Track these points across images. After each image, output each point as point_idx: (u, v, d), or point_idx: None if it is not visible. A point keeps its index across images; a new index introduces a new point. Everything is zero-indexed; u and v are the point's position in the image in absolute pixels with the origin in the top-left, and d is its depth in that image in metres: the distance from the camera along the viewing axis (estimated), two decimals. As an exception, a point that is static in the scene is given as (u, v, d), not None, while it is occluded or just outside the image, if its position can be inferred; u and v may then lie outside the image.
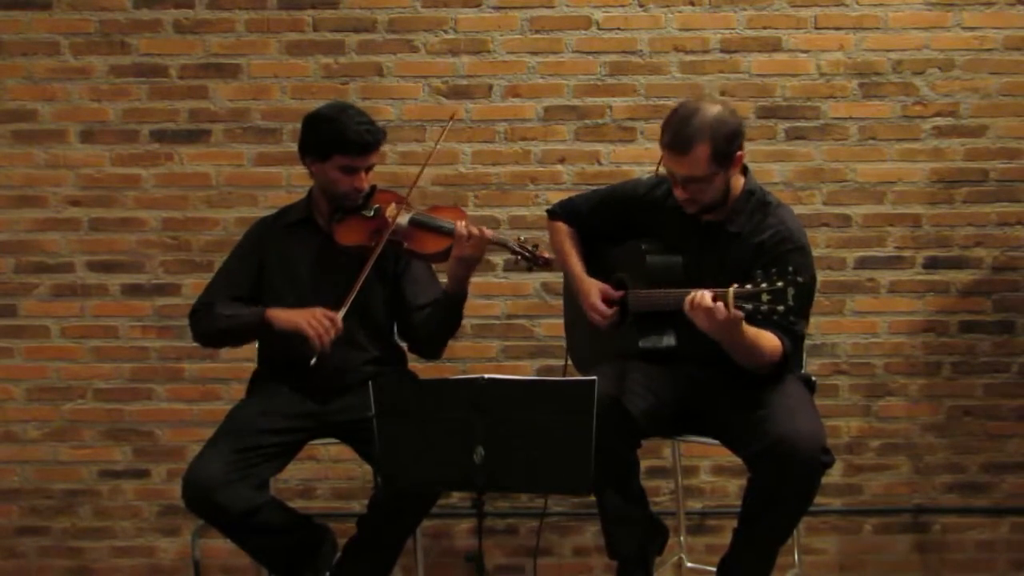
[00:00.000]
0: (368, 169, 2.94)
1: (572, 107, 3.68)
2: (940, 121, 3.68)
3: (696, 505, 3.74)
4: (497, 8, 3.66)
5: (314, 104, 3.23)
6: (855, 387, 3.73)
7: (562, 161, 3.70)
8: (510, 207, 3.69)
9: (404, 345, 3.17)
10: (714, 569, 2.84)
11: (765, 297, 2.37)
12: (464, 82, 3.68)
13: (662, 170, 2.75)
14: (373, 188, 2.98)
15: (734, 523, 2.75)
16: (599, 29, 3.67)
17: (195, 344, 3.05)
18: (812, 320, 3.18)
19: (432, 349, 3.10)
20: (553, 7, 3.66)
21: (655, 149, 2.75)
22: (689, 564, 3.37)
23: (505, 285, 3.72)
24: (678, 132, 2.63)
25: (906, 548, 3.78)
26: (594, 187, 3.18)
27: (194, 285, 3.69)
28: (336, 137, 2.87)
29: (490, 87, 3.68)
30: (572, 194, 3.14)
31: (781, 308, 2.36)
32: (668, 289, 2.67)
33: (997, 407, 3.73)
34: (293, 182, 3.65)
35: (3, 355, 3.73)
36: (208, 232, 3.71)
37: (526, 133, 3.69)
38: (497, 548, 3.76)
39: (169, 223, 3.71)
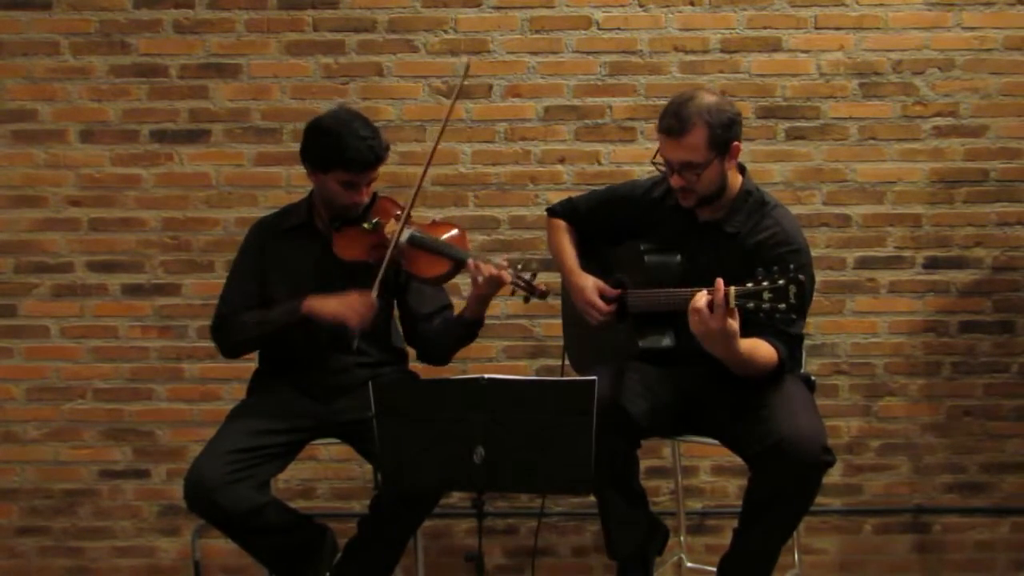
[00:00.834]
0: (369, 183, 2.92)
1: (572, 107, 3.68)
2: (940, 121, 3.68)
3: (696, 505, 3.74)
4: (497, 8, 3.66)
5: (314, 104, 3.24)
6: (855, 387, 3.74)
7: (562, 161, 3.70)
8: (510, 207, 3.69)
9: (411, 350, 3.17)
10: (714, 569, 2.84)
11: (767, 295, 2.37)
12: (464, 82, 3.67)
13: (658, 159, 2.74)
14: (374, 196, 2.97)
15: (734, 523, 2.75)
16: (599, 29, 3.67)
17: (195, 344, 3.05)
18: (812, 320, 3.19)
19: (440, 359, 3.12)
20: (553, 7, 3.66)
21: (655, 149, 2.75)
22: (689, 564, 3.37)
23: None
24: (675, 116, 2.65)
25: (906, 548, 3.78)
26: (594, 187, 3.19)
27: (194, 285, 3.70)
28: (337, 153, 2.83)
29: (490, 87, 3.68)
30: (572, 194, 3.14)
31: (783, 306, 2.37)
32: (667, 289, 2.67)
33: (997, 407, 3.73)
34: (293, 182, 3.65)
35: (3, 355, 3.73)
36: (208, 232, 3.71)
37: (526, 133, 3.69)
38: (497, 548, 3.76)
39: (169, 223, 3.71)
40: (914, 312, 3.72)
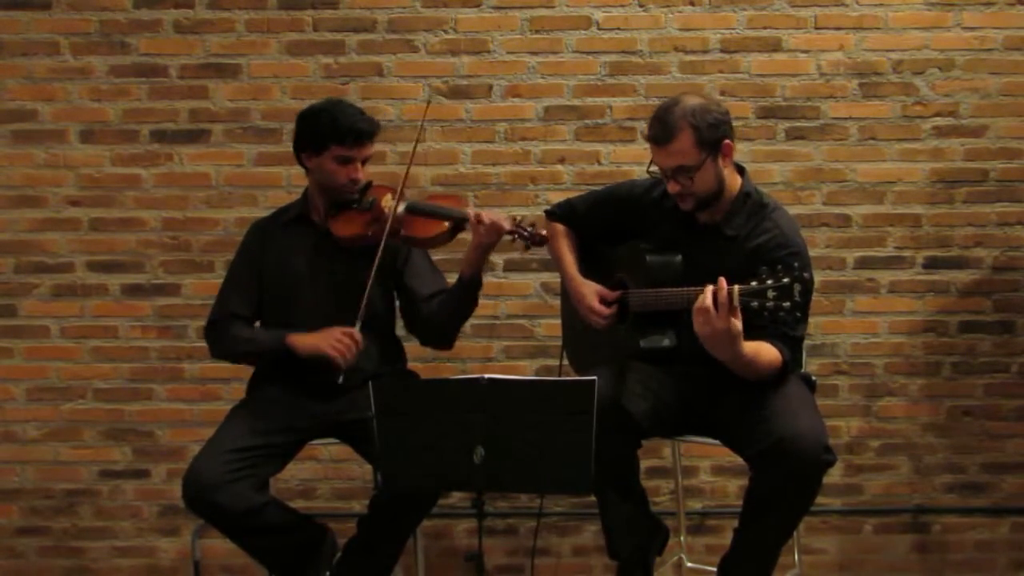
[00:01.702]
0: (364, 161, 2.95)
1: (572, 107, 3.69)
2: (940, 121, 3.68)
3: (696, 505, 3.74)
4: (497, 8, 3.66)
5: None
6: (855, 387, 3.74)
7: (562, 161, 3.70)
8: (510, 207, 3.68)
9: (413, 339, 3.16)
10: (714, 569, 2.84)
11: (771, 294, 2.37)
12: (464, 82, 3.68)
13: (654, 168, 2.75)
14: (369, 183, 2.99)
15: (734, 523, 2.75)
16: (599, 29, 3.67)
17: (195, 344, 3.05)
18: (812, 320, 3.18)
19: (445, 337, 3.09)
20: (553, 7, 3.66)
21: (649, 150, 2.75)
22: (689, 564, 3.37)
23: (505, 285, 3.72)
24: (659, 123, 2.67)
25: (906, 548, 3.78)
26: (594, 187, 3.18)
27: (194, 285, 3.70)
28: (332, 128, 2.89)
29: (490, 87, 3.68)
30: (572, 194, 3.15)
31: (787, 304, 2.36)
32: (670, 288, 2.67)
33: (997, 407, 3.73)
34: (293, 182, 3.65)
35: (3, 355, 3.73)
36: (208, 232, 3.71)
37: (526, 133, 3.69)
38: (497, 548, 3.76)
39: (169, 223, 3.71)
40: (914, 312, 3.72)
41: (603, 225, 2.98)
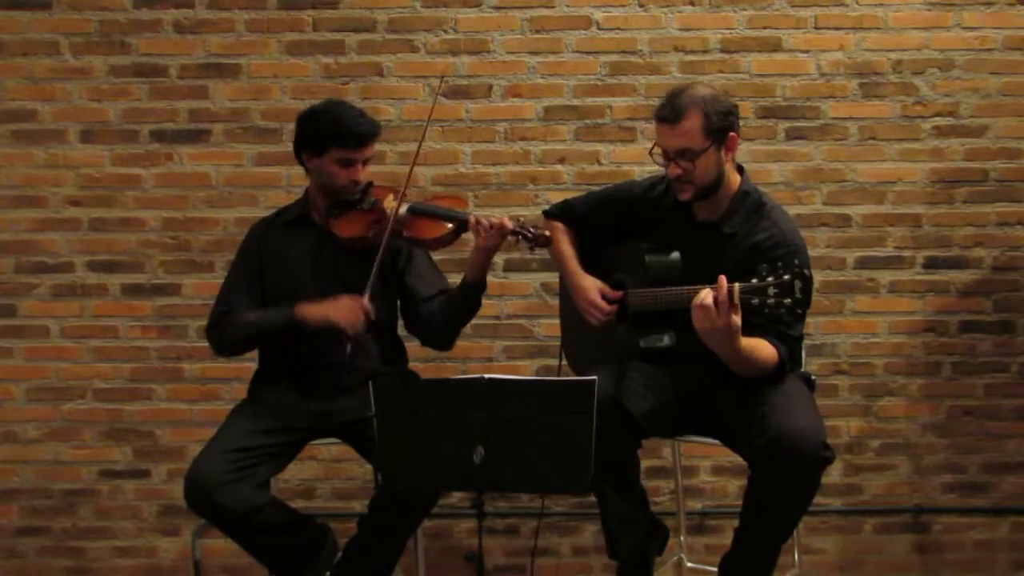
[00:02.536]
0: (365, 162, 2.95)
1: (572, 107, 3.69)
2: (940, 121, 3.68)
3: (696, 505, 3.74)
4: (497, 8, 3.66)
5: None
6: (855, 387, 3.74)
7: (562, 161, 3.70)
8: (510, 207, 3.68)
9: (413, 339, 3.16)
10: (714, 569, 2.84)
11: (772, 291, 2.37)
12: (464, 82, 3.68)
13: (657, 155, 2.74)
14: (370, 184, 2.99)
15: (734, 523, 2.75)
16: (599, 29, 3.67)
17: (195, 344, 3.05)
18: (812, 320, 3.19)
19: (445, 338, 3.09)
20: (553, 7, 3.66)
21: (654, 135, 2.75)
22: (689, 564, 3.37)
23: (505, 285, 3.72)
24: (670, 103, 2.69)
25: (906, 548, 3.78)
26: (594, 187, 3.19)
27: (194, 285, 3.70)
28: (332, 129, 2.89)
29: (490, 87, 3.68)
30: (572, 194, 3.15)
31: (788, 301, 2.36)
32: (669, 287, 2.67)
33: (997, 407, 3.73)
34: (293, 182, 3.65)
35: (3, 355, 3.73)
36: (208, 232, 3.71)
37: (526, 133, 3.69)
38: (497, 548, 3.76)
39: (169, 223, 3.71)
40: (914, 312, 3.72)
41: (602, 225, 2.98)
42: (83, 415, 3.74)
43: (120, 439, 3.75)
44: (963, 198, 3.70)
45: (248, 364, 3.17)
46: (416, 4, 3.67)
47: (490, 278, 3.66)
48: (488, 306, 3.65)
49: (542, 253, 3.12)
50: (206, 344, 3.10)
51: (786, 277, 2.37)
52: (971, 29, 3.65)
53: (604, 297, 2.87)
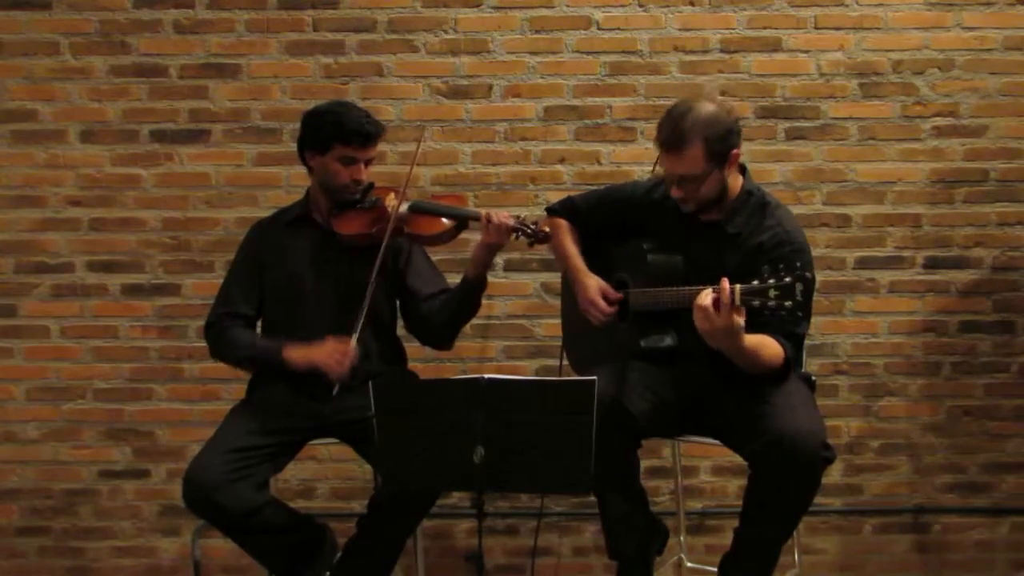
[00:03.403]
0: (367, 163, 2.96)
1: (572, 107, 3.69)
2: (940, 121, 3.68)
3: (696, 505, 3.74)
4: (497, 8, 3.66)
5: (314, 104, 3.24)
6: (855, 387, 3.74)
7: (562, 161, 3.70)
8: (510, 207, 3.67)
9: (413, 340, 3.17)
10: (714, 569, 2.84)
11: (773, 293, 2.37)
12: (464, 82, 3.68)
13: (659, 169, 2.75)
14: (371, 184, 2.99)
15: (734, 523, 2.75)
16: (599, 29, 3.67)
17: (195, 344, 3.05)
18: (812, 320, 3.17)
19: (445, 337, 3.10)
20: (553, 7, 3.66)
21: (655, 149, 2.75)
22: (689, 564, 3.37)
23: (505, 285, 3.72)
24: (672, 131, 2.65)
25: (906, 548, 3.78)
26: (594, 187, 3.19)
27: (194, 285, 3.70)
28: (336, 128, 2.91)
29: (490, 87, 3.68)
30: (572, 194, 3.14)
31: (789, 304, 2.36)
32: (671, 288, 2.67)
33: (997, 407, 3.73)
34: (293, 182, 3.65)
35: (3, 355, 3.73)
36: (208, 232, 3.71)
37: (526, 133, 3.69)
38: (497, 548, 3.76)
39: (169, 223, 3.71)
40: (914, 312, 3.72)
41: (604, 223, 2.98)
42: (83, 415, 3.74)
43: (120, 439, 3.75)
44: (963, 198, 3.70)
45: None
46: (416, 4, 3.67)
47: (490, 278, 3.67)
48: (488, 306, 3.67)
49: (543, 252, 3.13)
50: (206, 344, 3.11)
51: (787, 279, 2.36)
52: (971, 29, 3.65)
53: (605, 298, 2.87)
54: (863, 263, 3.71)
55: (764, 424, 2.57)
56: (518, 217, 2.89)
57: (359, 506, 3.58)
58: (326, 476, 3.76)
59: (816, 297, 3.27)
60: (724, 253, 2.73)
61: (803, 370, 2.88)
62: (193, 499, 2.76)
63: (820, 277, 3.41)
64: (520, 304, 3.73)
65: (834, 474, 3.70)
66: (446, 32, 3.67)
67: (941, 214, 3.70)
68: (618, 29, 3.66)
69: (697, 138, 2.62)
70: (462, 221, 2.93)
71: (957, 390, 3.73)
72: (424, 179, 3.68)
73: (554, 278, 3.54)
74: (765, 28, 3.66)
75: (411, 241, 3.01)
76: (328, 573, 2.94)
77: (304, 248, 3.04)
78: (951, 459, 3.75)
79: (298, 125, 3.01)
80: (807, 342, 2.98)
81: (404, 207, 2.93)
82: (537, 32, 3.67)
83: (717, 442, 2.81)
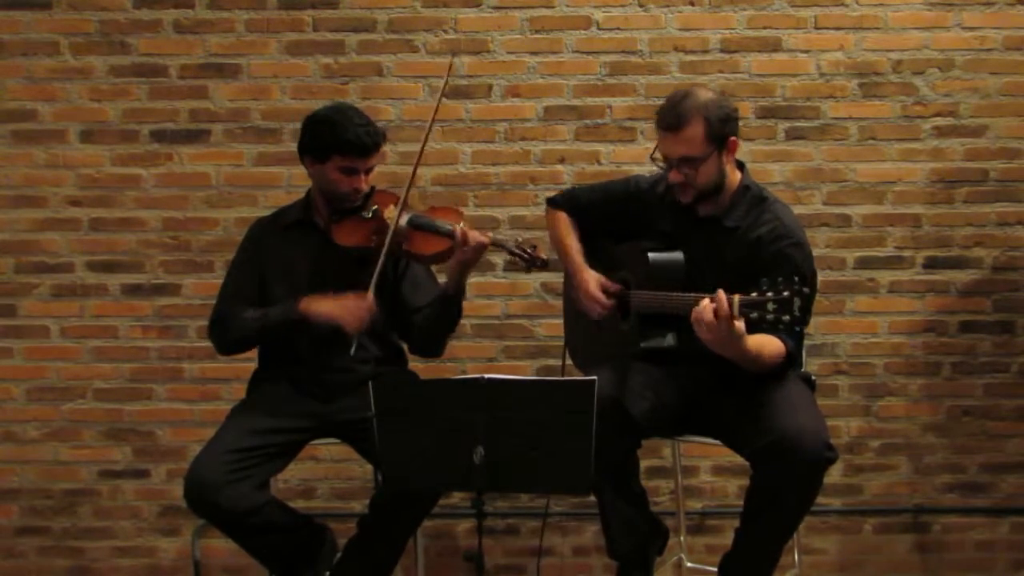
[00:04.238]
0: (368, 171, 2.94)
1: (572, 107, 3.69)
2: (940, 121, 3.68)
3: (696, 505, 3.74)
4: (497, 8, 3.66)
5: (314, 104, 3.24)
6: (855, 387, 3.74)
7: (562, 161, 3.70)
8: (510, 207, 3.69)
9: (405, 346, 3.17)
10: (714, 569, 2.84)
11: (771, 306, 2.37)
12: (464, 82, 3.68)
13: (656, 156, 2.74)
14: (372, 189, 2.98)
15: (734, 523, 2.75)
16: (599, 29, 3.67)
17: (195, 344, 3.05)
18: (812, 320, 3.18)
19: (432, 347, 3.10)
20: (553, 7, 3.66)
21: (655, 145, 2.75)
22: (689, 564, 3.37)
23: (505, 285, 3.72)
24: (672, 110, 2.68)
25: (906, 548, 3.78)
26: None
27: (194, 285, 3.70)
28: (335, 139, 2.88)
29: (490, 87, 3.68)
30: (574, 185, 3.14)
31: (787, 318, 2.36)
32: (673, 293, 2.66)
33: (997, 407, 3.73)
34: (293, 182, 3.65)
35: (3, 355, 3.73)
36: (208, 232, 3.71)
37: (526, 133, 3.69)
38: (497, 548, 3.76)
39: (169, 223, 3.71)
40: (914, 312, 3.72)
41: (604, 218, 2.98)
42: (83, 415, 3.74)
43: (120, 439, 3.75)
44: (963, 198, 3.70)
45: (248, 364, 3.16)
46: (416, 4, 3.67)
47: (490, 278, 3.70)
48: (488, 306, 3.68)
49: (542, 253, 3.11)
50: (206, 344, 3.11)
51: (785, 294, 2.36)
52: (971, 29, 3.65)
53: (605, 290, 2.87)
54: (863, 263, 3.71)
55: (766, 424, 2.58)
56: (516, 240, 2.88)
57: (359, 506, 3.59)
58: (326, 476, 3.76)
59: (816, 297, 3.26)
60: (723, 247, 2.74)
61: (803, 370, 2.89)
62: (194, 499, 2.76)
63: (820, 277, 3.41)
64: (520, 304, 3.73)
65: (834, 474, 3.70)
66: (446, 32, 3.67)
67: (941, 214, 3.70)
68: (618, 29, 3.66)
69: (697, 117, 2.65)
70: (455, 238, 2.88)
71: (957, 390, 3.73)
72: (424, 179, 3.68)
73: (554, 278, 3.54)
74: (765, 28, 3.66)
75: (409, 259, 2.99)
76: (328, 573, 2.94)
77: (304, 252, 3.02)
78: (951, 459, 3.75)
79: (298, 125, 3.00)
80: (807, 342, 2.99)
81: (403, 220, 2.91)
82: (537, 32, 3.67)
83: (717, 442, 2.81)
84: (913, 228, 3.70)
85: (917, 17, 3.65)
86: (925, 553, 3.78)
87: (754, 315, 2.39)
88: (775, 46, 3.66)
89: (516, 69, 3.68)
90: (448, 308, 2.97)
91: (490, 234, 2.85)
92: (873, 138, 3.68)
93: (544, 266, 2.89)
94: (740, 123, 2.79)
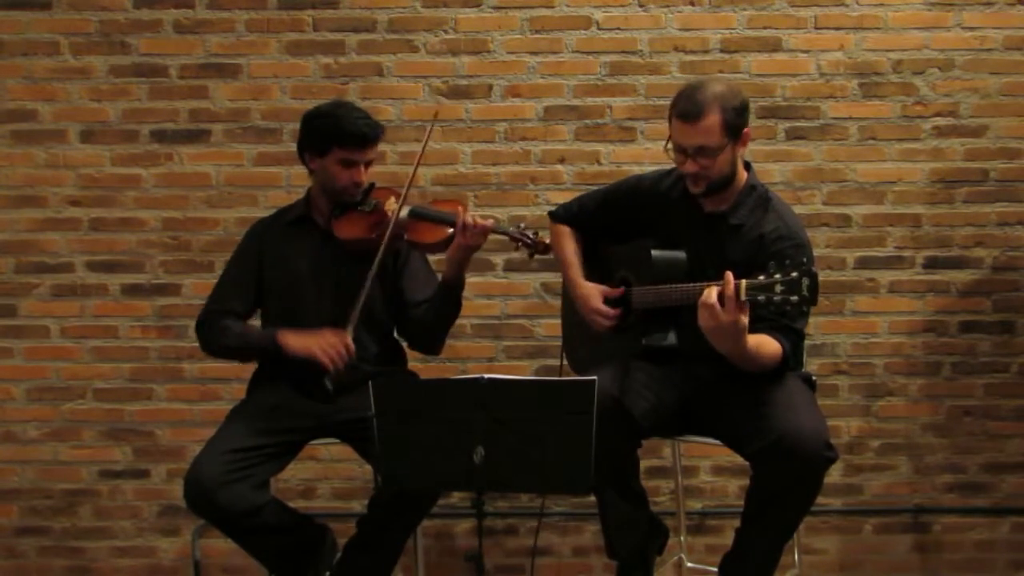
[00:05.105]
0: (367, 164, 2.95)
1: (572, 107, 3.69)
2: (940, 121, 3.68)
3: (696, 505, 3.74)
4: (497, 8, 3.66)
5: (314, 104, 3.24)
6: (855, 387, 3.74)
7: (562, 161, 3.70)
8: (510, 207, 3.69)
9: (404, 343, 3.17)
10: (714, 569, 2.84)
11: (779, 288, 2.37)
12: (464, 82, 3.68)
13: (671, 146, 2.74)
14: (371, 185, 2.99)
15: (734, 523, 2.75)
16: (599, 29, 3.67)
17: (195, 344, 3.04)
18: (812, 320, 3.18)
19: (431, 342, 3.10)
20: (553, 7, 3.66)
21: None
22: (689, 564, 3.37)
23: (505, 285, 3.72)
24: (690, 100, 2.67)
25: (906, 548, 3.78)
26: (594, 187, 3.18)
27: (194, 285, 3.70)
28: (335, 131, 2.90)
29: (490, 87, 3.68)
30: (572, 194, 3.14)
31: (795, 299, 2.36)
32: (675, 284, 2.67)
33: (997, 407, 3.73)
34: (293, 182, 3.65)
35: (3, 355, 3.73)
36: (208, 232, 3.71)
37: (526, 133, 3.70)
38: (497, 548, 3.76)
39: (169, 223, 3.71)
40: (914, 312, 3.72)
41: (610, 220, 2.98)
42: (83, 415, 3.74)
43: (120, 439, 3.75)
44: (963, 198, 3.70)
45: (248, 364, 3.17)
46: (416, 4, 3.67)
47: (490, 278, 3.70)
48: (488, 306, 3.68)
49: (545, 238, 3.11)
50: (197, 339, 3.10)
51: (794, 274, 2.36)
52: (971, 29, 3.65)
53: (608, 300, 2.87)
54: (863, 263, 3.71)
55: (766, 424, 2.58)
56: (518, 225, 2.89)
57: (359, 506, 3.59)
58: (326, 476, 3.76)
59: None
60: (726, 244, 2.74)
61: (803, 370, 2.89)
62: (194, 499, 2.76)
63: (820, 277, 3.40)
64: (520, 304, 3.73)
65: (834, 474, 3.70)
66: (446, 32, 3.67)
67: (941, 214, 3.70)
68: (618, 29, 3.66)
69: (715, 107, 2.65)
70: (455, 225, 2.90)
71: (957, 390, 3.73)
72: (424, 179, 3.68)
73: (554, 278, 3.54)
74: (765, 28, 3.66)
75: (410, 248, 3.00)
76: (328, 573, 2.94)
77: (304, 250, 3.03)
78: (951, 459, 3.75)
79: (298, 125, 3.01)
80: (807, 342, 2.98)
81: (404, 211, 2.92)
82: (537, 32, 3.67)
83: (717, 442, 2.81)
84: (913, 228, 3.71)
85: (917, 17, 3.65)
86: (925, 553, 3.78)
87: (761, 298, 2.39)
88: (775, 46, 3.66)
89: (516, 69, 3.68)
90: (446, 300, 2.98)
91: (491, 221, 2.86)
92: (873, 138, 3.68)
93: (546, 251, 2.90)
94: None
